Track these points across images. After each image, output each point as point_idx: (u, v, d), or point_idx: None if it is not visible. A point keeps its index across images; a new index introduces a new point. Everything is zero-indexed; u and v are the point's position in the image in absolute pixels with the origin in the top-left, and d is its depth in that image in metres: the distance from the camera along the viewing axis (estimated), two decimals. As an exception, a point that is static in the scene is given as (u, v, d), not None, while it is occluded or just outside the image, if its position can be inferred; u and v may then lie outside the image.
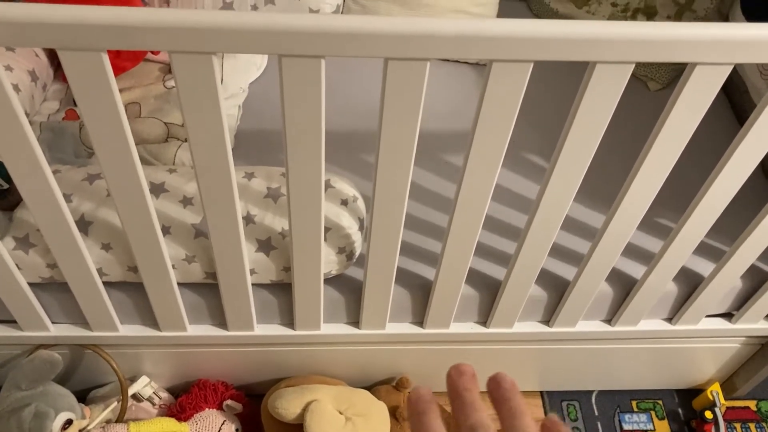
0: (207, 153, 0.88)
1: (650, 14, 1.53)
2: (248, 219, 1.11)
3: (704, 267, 1.29)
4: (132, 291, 1.21)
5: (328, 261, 1.15)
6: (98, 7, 0.71)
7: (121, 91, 1.42)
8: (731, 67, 0.80)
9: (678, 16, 1.51)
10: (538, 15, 1.70)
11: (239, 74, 1.51)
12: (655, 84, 1.57)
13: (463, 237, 1.05)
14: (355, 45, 0.74)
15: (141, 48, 0.73)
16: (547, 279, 1.26)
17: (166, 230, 1.10)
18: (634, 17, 1.55)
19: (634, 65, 0.78)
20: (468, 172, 0.93)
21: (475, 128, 0.87)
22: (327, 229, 1.12)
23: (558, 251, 1.29)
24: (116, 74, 1.41)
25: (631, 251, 1.30)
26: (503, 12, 1.67)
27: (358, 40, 0.74)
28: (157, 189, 1.12)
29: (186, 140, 1.36)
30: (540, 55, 0.76)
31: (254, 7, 1.52)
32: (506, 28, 0.73)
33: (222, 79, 1.49)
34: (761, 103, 0.86)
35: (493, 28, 0.73)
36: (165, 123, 1.37)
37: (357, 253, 1.18)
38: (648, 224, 1.34)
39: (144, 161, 1.32)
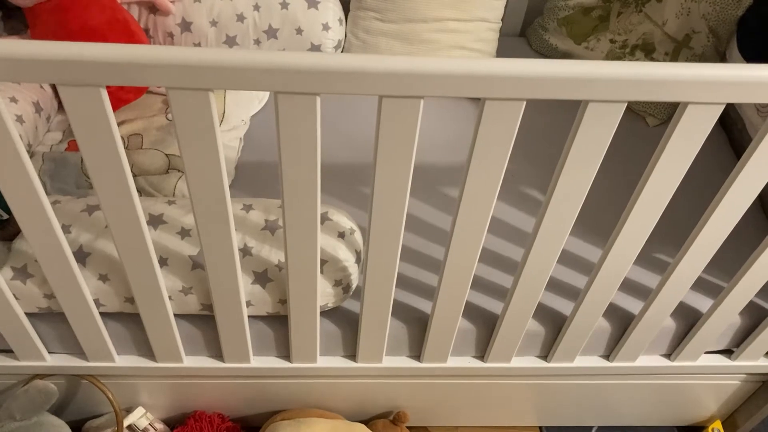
0: (203, 186, 0.89)
1: (648, 51, 1.55)
2: (245, 251, 1.12)
3: (702, 303, 1.28)
4: (129, 322, 1.21)
5: (325, 294, 1.15)
6: (97, 44, 0.72)
7: (123, 122, 1.44)
8: (722, 107, 0.81)
9: (675, 54, 1.53)
10: (538, 51, 1.72)
11: (241, 107, 1.53)
12: (654, 119, 1.58)
13: (459, 270, 1.06)
14: (350, 83, 0.75)
15: (139, 84, 0.74)
16: (544, 313, 1.26)
17: (163, 262, 1.11)
18: (632, 54, 1.56)
19: (625, 104, 0.79)
20: (462, 207, 0.94)
21: (469, 165, 0.87)
22: (323, 262, 1.12)
23: (556, 285, 1.29)
24: (119, 106, 1.43)
25: (630, 286, 1.30)
26: (503, 48, 1.69)
27: (353, 78, 0.75)
28: (156, 220, 1.13)
29: (186, 172, 1.37)
30: (532, 93, 0.77)
31: (257, 42, 1.55)
32: (497, 68, 0.75)
33: (224, 111, 1.51)
34: (756, 138, 0.87)
35: (484, 67, 0.75)
36: (166, 154, 1.38)
37: (354, 286, 1.18)
38: (646, 259, 1.34)
39: (144, 192, 1.34)
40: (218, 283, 1.06)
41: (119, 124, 1.44)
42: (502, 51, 1.67)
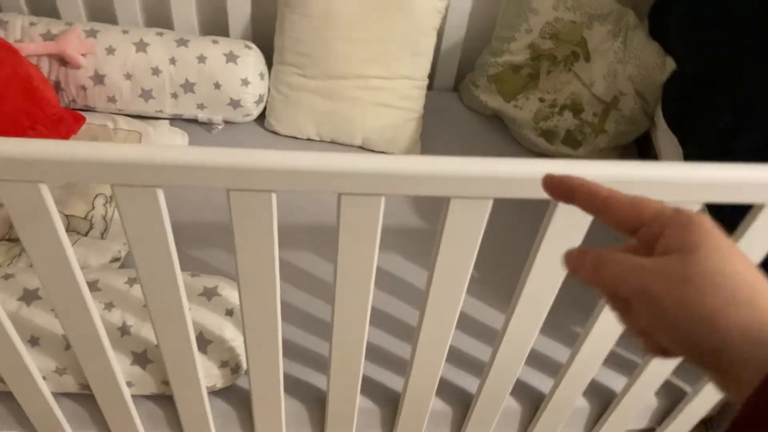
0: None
1: (577, 111, 1.51)
2: (124, 329, 1.05)
3: (617, 381, 1.23)
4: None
5: (210, 375, 1.08)
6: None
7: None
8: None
9: (605, 115, 1.49)
10: (468, 106, 1.68)
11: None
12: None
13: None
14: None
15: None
16: (522, 391, 1.20)
17: (35, 341, 1.04)
18: (560, 114, 1.52)
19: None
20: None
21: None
22: (208, 342, 1.06)
23: (536, 360, 1.23)
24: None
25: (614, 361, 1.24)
26: (433, 104, 1.64)
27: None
28: (31, 295, 1.06)
29: (86, 234, 1.31)
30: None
31: (174, 95, 1.50)
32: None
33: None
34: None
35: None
36: (66, 215, 1.32)
37: (244, 366, 1.11)
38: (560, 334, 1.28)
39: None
40: (89, 364, 0.99)
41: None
42: (431, 107, 1.63)
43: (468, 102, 1.67)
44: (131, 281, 1.10)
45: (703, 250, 0.36)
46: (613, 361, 1.25)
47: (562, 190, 0.42)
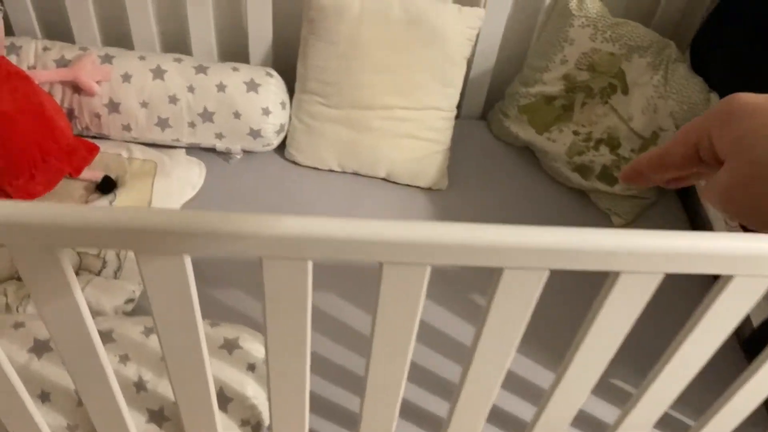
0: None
1: (613, 147, 1.44)
2: (140, 385, 0.98)
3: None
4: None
5: (230, 434, 1.01)
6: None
7: (37, 213, 1.31)
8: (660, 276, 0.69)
9: (642, 150, 1.42)
10: (499, 137, 1.61)
11: (172, 195, 1.41)
12: (619, 219, 1.47)
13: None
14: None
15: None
16: None
17: (45, 396, 0.97)
18: (596, 149, 1.45)
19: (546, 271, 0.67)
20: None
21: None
22: (228, 400, 0.99)
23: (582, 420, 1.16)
24: (27, 200, 1.30)
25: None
26: (462, 133, 1.57)
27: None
28: (42, 347, 1.00)
29: (99, 273, 1.24)
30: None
31: (191, 125, 1.43)
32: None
33: (150, 201, 1.39)
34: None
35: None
36: (77, 252, 1.26)
37: (266, 424, 1.04)
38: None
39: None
40: (102, 422, 0.93)
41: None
42: (459, 136, 1.56)
43: (497, 132, 1.61)
44: (148, 331, 1.03)
45: (747, 142, 0.35)
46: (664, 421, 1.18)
47: (636, 180, 0.45)
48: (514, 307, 0.75)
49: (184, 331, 0.77)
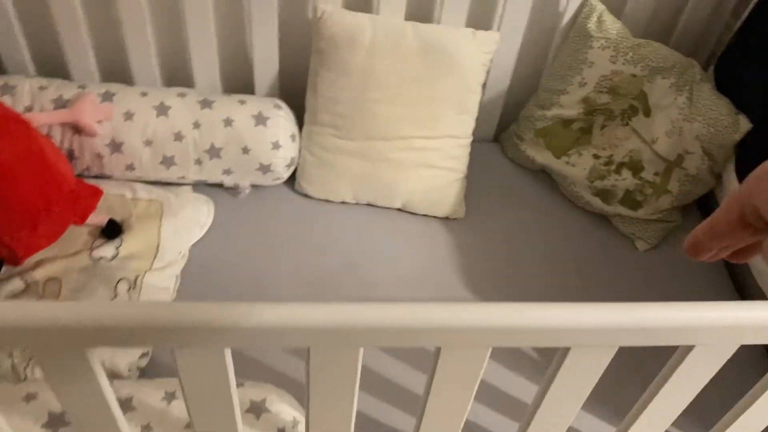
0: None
1: (636, 170, 1.40)
2: (165, 458, 0.93)
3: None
4: None
5: (262, 504, 0.96)
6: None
7: (40, 263, 1.25)
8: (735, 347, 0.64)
9: (667, 174, 1.37)
10: (513, 161, 1.56)
11: (180, 236, 1.34)
12: (644, 243, 1.42)
13: None
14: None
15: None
16: None
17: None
18: (618, 172, 1.41)
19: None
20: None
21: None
22: (260, 469, 0.94)
23: None
24: (30, 254, 1.23)
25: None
26: (474, 159, 1.52)
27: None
28: (58, 421, 0.93)
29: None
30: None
31: (198, 162, 1.37)
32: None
33: (159, 243, 1.32)
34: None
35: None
36: (87, 305, 1.19)
37: (298, 490, 0.99)
38: None
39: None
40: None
41: (35, 264, 1.24)
42: (475, 161, 1.51)
43: (512, 155, 1.56)
44: (169, 397, 0.97)
45: None
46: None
47: (697, 250, 0.43)
48: (577, 383, 0.70)
49: (221, 420, 0.71)
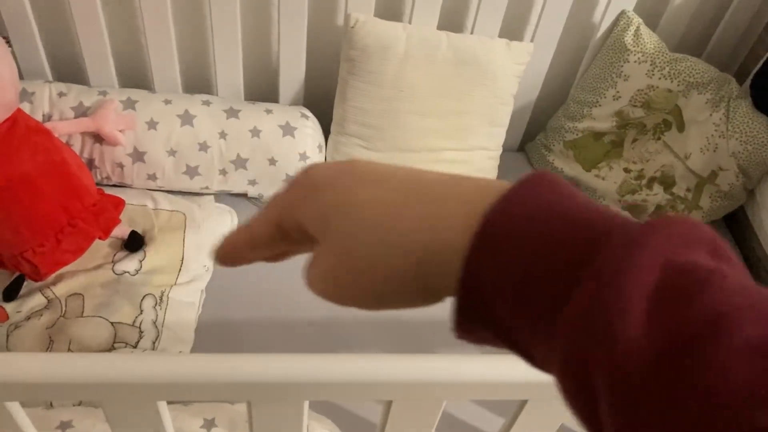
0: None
1: (668, 185, 1.38)
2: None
3: None
4: None
5: None
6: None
7: (60, 277, 1.21)
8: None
9: (699, 190, 1.36)
10: (540, 172, 1.53)
11: (205, 249, 1.30)
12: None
13: None
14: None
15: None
16: None
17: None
18: (649, 187, 1.39)
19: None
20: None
21: None
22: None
23: None
24: (55, 270, 1.19)
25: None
26: (500, 169, 1.49)
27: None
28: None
29: (136, 346, 1.15)
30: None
31: (222, 172, 1.34)
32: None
33: (183, 257, 1.29)
34: None
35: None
36: (112, 323, 1.16)
37: None
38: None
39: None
40: None
41: (55, 279, 1.20)
42: (500, 171, 1.48)
43: (539, 166, 1.53)
44: (208, 424, 0.94)
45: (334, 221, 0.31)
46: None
47: (233, 258, 0.37)
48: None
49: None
